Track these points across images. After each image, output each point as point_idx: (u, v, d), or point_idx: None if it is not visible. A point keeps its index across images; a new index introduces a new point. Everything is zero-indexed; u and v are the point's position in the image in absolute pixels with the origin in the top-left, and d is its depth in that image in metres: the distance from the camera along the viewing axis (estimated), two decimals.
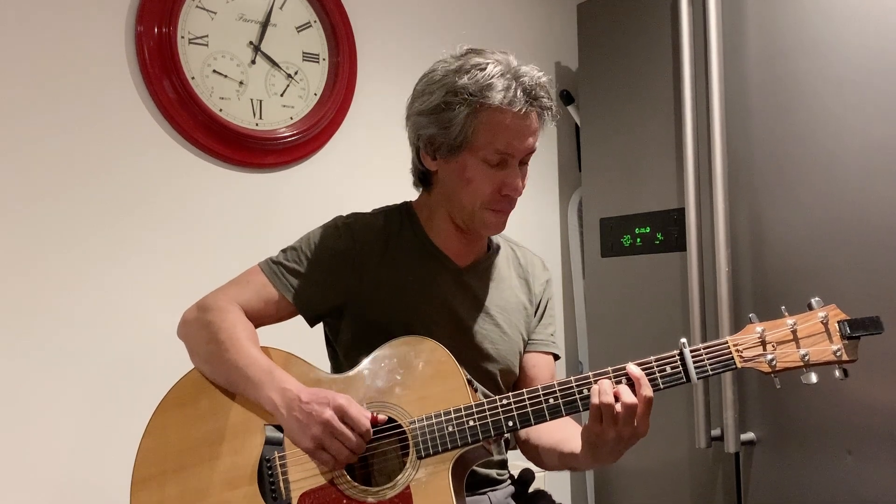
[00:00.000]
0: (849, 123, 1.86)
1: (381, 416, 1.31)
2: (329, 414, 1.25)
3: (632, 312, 2.33)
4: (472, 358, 1.47)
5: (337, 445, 1.26)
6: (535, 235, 2.66)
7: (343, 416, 1.26)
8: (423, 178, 1.51)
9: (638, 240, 2.32)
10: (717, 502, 2.11)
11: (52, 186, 1.93)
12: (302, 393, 1.29)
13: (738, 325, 2.01)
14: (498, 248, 1.59)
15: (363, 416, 1.27)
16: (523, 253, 1.63)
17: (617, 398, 1.23)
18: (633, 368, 1.26)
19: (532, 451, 1.51)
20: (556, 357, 1.62)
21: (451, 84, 1.38)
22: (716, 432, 2.06)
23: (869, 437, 1.82)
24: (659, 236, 2.26)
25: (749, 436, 2.03)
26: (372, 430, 1.28)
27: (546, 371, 1.58)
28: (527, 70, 1.38)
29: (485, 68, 1.37)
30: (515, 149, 1.39)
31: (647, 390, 1.24)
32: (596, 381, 1.27)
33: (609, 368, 1.29)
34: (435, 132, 1.40)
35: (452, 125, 1.37)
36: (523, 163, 1.43)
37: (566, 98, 2.77)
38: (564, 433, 1.42)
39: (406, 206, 1.55)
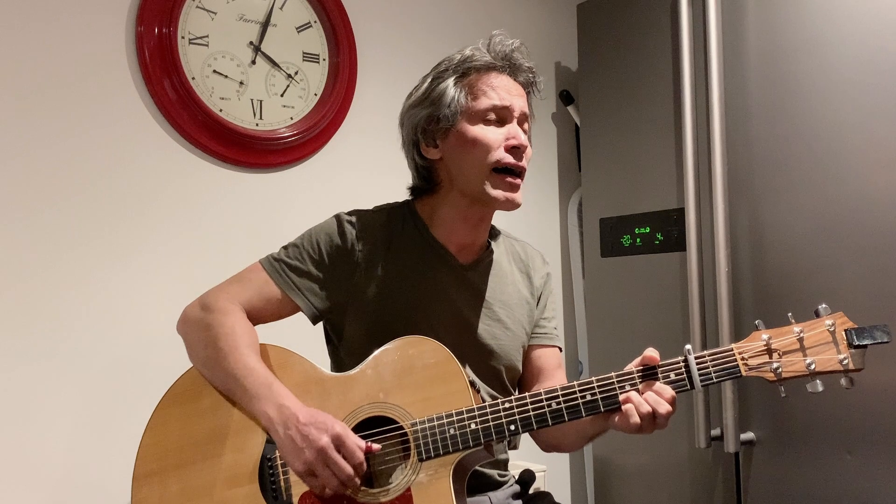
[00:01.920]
0: (849, 123, 1.86)
1: (376, 446, 1.30)
2: (325, 441, 1.24)
3: (632, 312, 2.33)
4: (476, 355, 1.47)
5: (328, 474, 1.25)
6: (535, 235, 2.66)
7: (340, 445, 1.25)
8: (427, 178, 1.51)
9: (638, 240, 2.32)
10: (716, 502, 2.11)
11: (52, 187, 1.93)
12: (300, 413, 1.27)
13: (737, 326, 2.01)
14: (498, 244, 1.59)
15: (358, 449, 1.26)
16: (523, 247, 1.64)
17: (655, 414, 1.25)
18: (662, 388, 1.27)
19: (551, 433, 1.49)
20: (560, 349, 1.62)
21: (435, 71, 1.48)
22: (716, 432, 2.06)
23: (869, 437, 1.82)
24: (659, 236, 2.26)
25: (749, 436, 2.03)
26: (365, 463, 1.27)
27: (553, 361, 1.58)
28: (500, 38, 1.46)
29: (461, 52, 1.47)
30: (509, 102, 1.43)
31: (667, 393, 1.27)
32: (600, 387, 1.28)
33: (613, 374, 1.29)
34: (430, 111, 1.44)
35: (445, 96, 1.43)
36: (522, 130, 1.45)
37: (566, 98, 2.77)
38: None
39: (408, 204, 1.55)
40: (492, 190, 1.42)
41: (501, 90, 1.43)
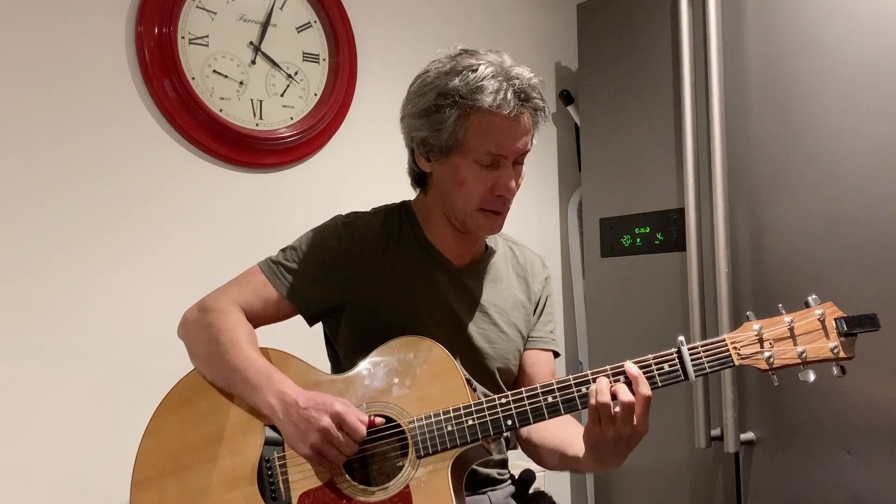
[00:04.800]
0: (848, 123, 1.86)
1: (379, 419, 1.31)
2: (327, 421, 1.25)
3: (631, 312, 2.33)
4: (471, 357, 1.47)
5: (334, 453, 1.27)
6: (535, 235, 2.66)
7: (341, 423, 1.26)
8: (419, 179, 1.52)
9: (638, 240, 2.32)
10: (716, 502, 2.11)
11: (52, 187, 1.93)
12: (300, 398, 1.29)
13: (737, 325, 1.98)
14: (496, 247, 1.59)
15: (360, 423, 1.27)
16: (522, 251, 1.63)
17: (614, 397, 1.23)
18: (630, 367, 1.25)
19: (533, 451, 1.51)
20: (556, 354, 1.62)
21: (442, 86, 1.37)
22: (716, 432, 2.06)
23: (869, 437, 1.82)
24: (659, 236, 2.26)
25: (749, 436, 2.03)
26: (367, 434, 1.28)
27: (546, 368, 1.58)
28: (519, 71, 1.37)
29: (476, 69, 1.36)
30: (507, 150, 1.38)
31: (644, 388, 1.23)
32: (594, 380, 1.27)
33: (607, 367, 1.29)
34: (427, 134, 1.40)
35: (443, 128, 1.37)
36: (517, 163, 1.42)
37: (566, 98, 2.77)
38: (567, 434, 1.42)
39: (405, 206, 1.55)
40: (472, 224, 1.44)
41: (502, 135, 1.36)
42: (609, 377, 1.26)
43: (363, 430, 1.27)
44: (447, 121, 1.36)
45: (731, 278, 2.03)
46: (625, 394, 1.22)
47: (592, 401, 1.23)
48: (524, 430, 1.50)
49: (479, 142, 1.36)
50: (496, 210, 1.43)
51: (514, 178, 1.41)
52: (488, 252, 1.57)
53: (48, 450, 1.89)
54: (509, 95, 1.34)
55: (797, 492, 1.94)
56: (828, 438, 1.88)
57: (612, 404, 1.22)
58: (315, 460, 1.29)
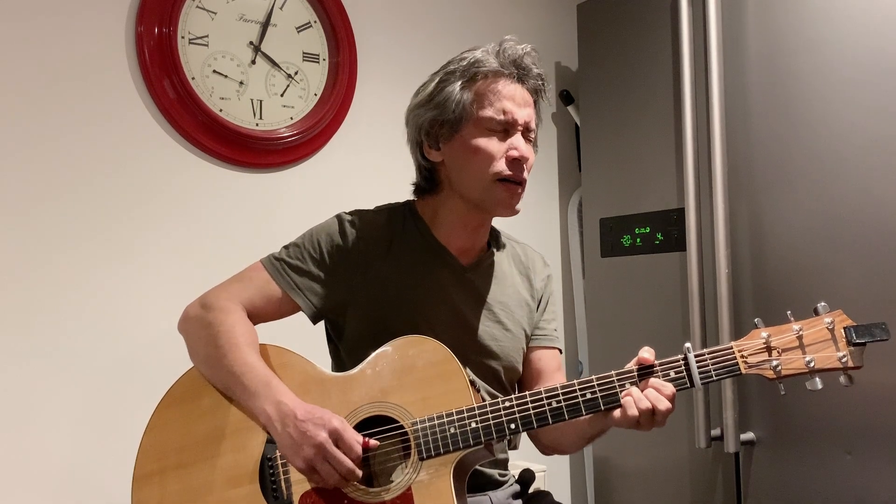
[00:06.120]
0: (849, 122, 1.86)
1: (374, 442, 1.30)
2: (324, 437, 1.25)
3: (632, 312, 2.33)
4: (476, 355, 1.47)
5: (328, 469, 1.25)
6: (535, 235, 2.66)
7: (337, 439, 1.25)
8: (429, 178, 1.51)
9: (638, 240, 2.32)
10: (717, 502, 2.11)
11: (52, 187, 1.93)
12: (298, 409, 1.28)
13: (737, 326, 2.01)
14: (499, 245, 1.59)
15: (357, 442, 1.27)
16: (524, 249, 1.64)
17: (654, 410, 1.26)
18: (663, 385, 1.27)
19: (550, 434, 1.50)
20: (560, 351, 1.63)
21: (443, 71, 1.46)
22: (716, 432, 2.06)
23: (869, 437, 1.82)
24: (659, 236, 2.26)
25: (749, 436, 2.03)
26: (362, 455, 1.28)
27: (553, 363, 1.59)
28: (511, 43, 1.44)
29: (471, 53, 1.45)
30: (514, 114, 1.41)
31: (668, 390, 1.27)
32: (600, 386, 1.28)
33: (612, 372, 1.29)
34: (434, 114, 1.43)
35: (450, 100, 1.42)
36: (526, 139, 1.44)
37: (566, 98, 2.77)
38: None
39: (409, 205, 1.55)
40: (490, 199, 1.43)
41: (507, 101, 1.41)
42: (616, 382, 1.28)
43: (359, 448, 1.26)
44: (453, 93, 1.42)
45: (731, 278, 2.03)
46: (663, 403, 1.26)
47: (633, 411, 1.26)
48: None
49: (487, 108, 1.41)
50: (514, 179, 1.42)
51: (526, 146, 1.43)
52: (492, 250, 1.57)
53: (48, 449, 1.89)
54: (507, 62, 1.43)
55: (797, 492, 1.95)
56: (828, 439, 1.88)
57: (653, 412, 1.26)
58: (307, 475, 1.28)
